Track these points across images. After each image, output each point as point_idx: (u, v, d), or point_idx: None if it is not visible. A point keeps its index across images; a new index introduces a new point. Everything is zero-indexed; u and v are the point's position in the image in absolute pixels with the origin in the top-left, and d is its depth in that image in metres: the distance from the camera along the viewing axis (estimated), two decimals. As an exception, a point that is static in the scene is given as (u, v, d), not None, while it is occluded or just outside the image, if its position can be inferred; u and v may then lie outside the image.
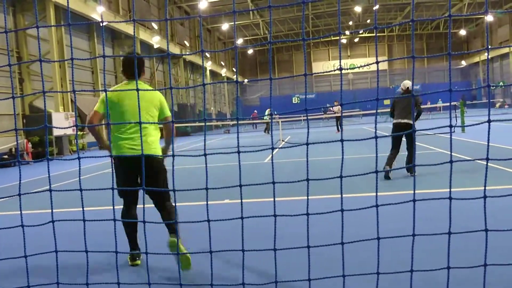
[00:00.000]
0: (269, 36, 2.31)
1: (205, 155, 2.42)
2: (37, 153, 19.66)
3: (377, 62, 2.29)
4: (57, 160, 14.76)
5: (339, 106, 23.08)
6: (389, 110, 8.67)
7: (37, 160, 2.41)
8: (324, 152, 13.57)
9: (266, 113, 28.61)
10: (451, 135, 2.20)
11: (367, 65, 2.45)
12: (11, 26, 20.72)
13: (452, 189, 2.31)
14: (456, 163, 8.89)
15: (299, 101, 61.25)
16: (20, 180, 2.63)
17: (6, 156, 17.97)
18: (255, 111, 54.41)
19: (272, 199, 5.71)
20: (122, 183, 4.00)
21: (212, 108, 54.18)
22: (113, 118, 4.11)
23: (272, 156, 2.34)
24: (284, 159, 12.79)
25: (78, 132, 23.09)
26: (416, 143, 8.61)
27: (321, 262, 3.57)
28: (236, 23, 35.95)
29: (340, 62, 2.29)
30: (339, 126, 23.93)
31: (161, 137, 4.28)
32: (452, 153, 10.60)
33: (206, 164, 2.47)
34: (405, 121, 8.25)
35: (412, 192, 2.41)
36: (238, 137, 2.46)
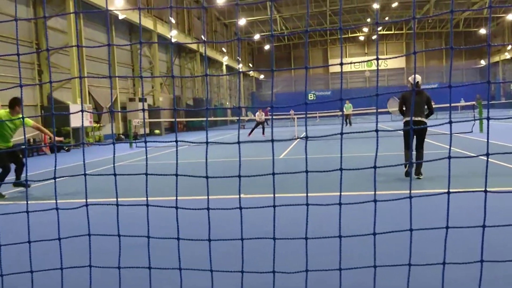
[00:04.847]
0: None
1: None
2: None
3: (377, 59, 2.27)
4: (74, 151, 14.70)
5: (262, 113, 23.85)
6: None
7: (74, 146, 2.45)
8: (337, 149, 13.51)
9: (346, 105, 29.24)
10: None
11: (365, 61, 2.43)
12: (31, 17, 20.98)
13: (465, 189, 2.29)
14: (472, 164, 8.81)
15: (314, 98, 61.03)
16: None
17: (23, 147, 18.20)
18: (268, 107, 54.14)
19: (288, 194, 5.69)
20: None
21: (227, 103, 54.25)
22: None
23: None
24: (300, 155, 12.78)
25: (95, 125, 23.47)
26: (425, 142, 8.24)
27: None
28: (253, 18, 36.30)
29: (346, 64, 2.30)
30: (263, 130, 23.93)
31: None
32: (469, 153, 10.46)
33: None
34: (418, 119, 7.87)
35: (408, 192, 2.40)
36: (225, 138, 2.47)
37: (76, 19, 2.30)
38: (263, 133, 23.47)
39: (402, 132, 8.21)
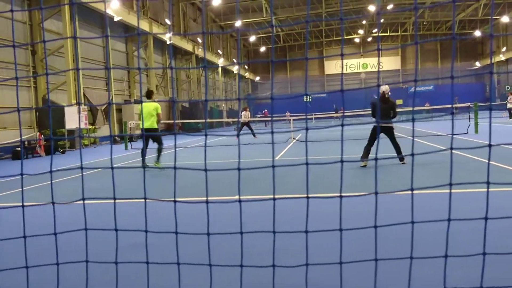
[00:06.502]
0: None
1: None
2: (49, 146, 19.77)
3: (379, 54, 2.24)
4: (69, 152, 14.64)
5: (249, 112, 22.79)
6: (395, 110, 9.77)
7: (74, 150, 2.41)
8: (335, 150, 13.51)
9: None
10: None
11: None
12: (26, 20, 20.87)
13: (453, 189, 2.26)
14: (466, 163, 8.84)
15: (310, 100, 61.13)
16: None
17: (19, 149, 18.11)
18: (266, 110, 54.31)
19: (284, 196, 5.68)
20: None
21: (223, 105, 54.21)
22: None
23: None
24: (295, 156, 12.77)
25: (90, 127, 23.37)
26: (397, 138, 9.80)
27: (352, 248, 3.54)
28: (249, 20, 36.21)
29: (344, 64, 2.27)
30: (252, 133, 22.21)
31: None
32: (463, 154, 10.51)
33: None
34: (384, 124, 9.47)
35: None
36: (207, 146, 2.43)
37: (74, 16, 2.27)
38: (255, 136, 21.77)
39: (371, 134, 9.86)
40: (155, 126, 10.72)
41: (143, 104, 10.82)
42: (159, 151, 10.73)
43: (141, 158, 10.61)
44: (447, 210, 2.34)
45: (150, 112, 10.61)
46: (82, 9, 24.62)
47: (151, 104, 10.74)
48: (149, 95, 11.09)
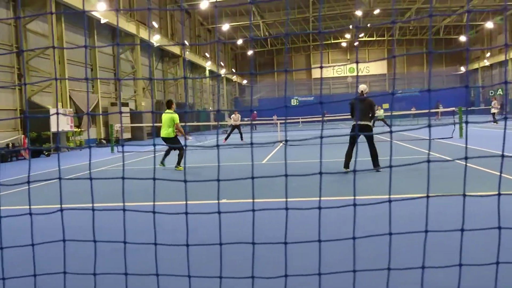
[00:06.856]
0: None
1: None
2: (34, 149, 19.54)
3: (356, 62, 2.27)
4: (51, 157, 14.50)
5: (238, 115, 22.92)
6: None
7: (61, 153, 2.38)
8: (319, 154, 13.54)
9: (379, 111, 29.72)
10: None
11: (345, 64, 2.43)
12: (11, 21, 20.65)
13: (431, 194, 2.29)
14: (448, 168, 8.92)
15: (298, 103, 61.33)
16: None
17: (3, 152, 17.89)
18: (255, 111, 54.30)
19: (270, 199, 5.70)
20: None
21: (210, 108, 54.14)
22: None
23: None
24: (282, 160, 12.78)
25: (76, 129, 23.17)
26: (375, 142, 9.55)
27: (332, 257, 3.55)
28: (236, 23, 36.28)
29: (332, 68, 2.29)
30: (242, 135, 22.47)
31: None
32: (446, 158, 10.59)
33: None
34: (363, 122, 9.37)
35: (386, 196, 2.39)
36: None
37: (53, 20, 2.25)
38: (242, 139, 21.97)
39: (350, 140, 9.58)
40: (172, 135, 11.27)
41: (163, 114, 11.52)
42: (180, 156, 11.44)
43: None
44: (428, 216, 2.38)
45: (167, 122, 11.25)
46: (68, 11, 24.42)
47: (169, 114, 11.32)
48: (169, 105, 11.66)
